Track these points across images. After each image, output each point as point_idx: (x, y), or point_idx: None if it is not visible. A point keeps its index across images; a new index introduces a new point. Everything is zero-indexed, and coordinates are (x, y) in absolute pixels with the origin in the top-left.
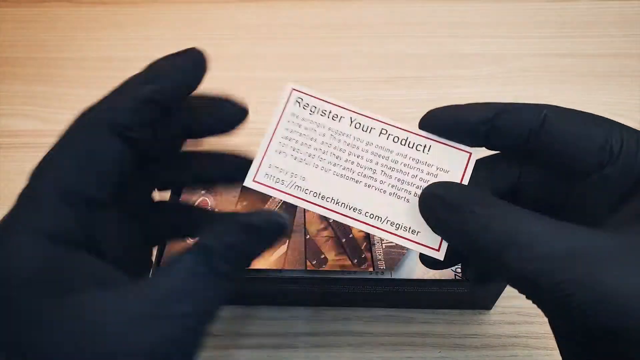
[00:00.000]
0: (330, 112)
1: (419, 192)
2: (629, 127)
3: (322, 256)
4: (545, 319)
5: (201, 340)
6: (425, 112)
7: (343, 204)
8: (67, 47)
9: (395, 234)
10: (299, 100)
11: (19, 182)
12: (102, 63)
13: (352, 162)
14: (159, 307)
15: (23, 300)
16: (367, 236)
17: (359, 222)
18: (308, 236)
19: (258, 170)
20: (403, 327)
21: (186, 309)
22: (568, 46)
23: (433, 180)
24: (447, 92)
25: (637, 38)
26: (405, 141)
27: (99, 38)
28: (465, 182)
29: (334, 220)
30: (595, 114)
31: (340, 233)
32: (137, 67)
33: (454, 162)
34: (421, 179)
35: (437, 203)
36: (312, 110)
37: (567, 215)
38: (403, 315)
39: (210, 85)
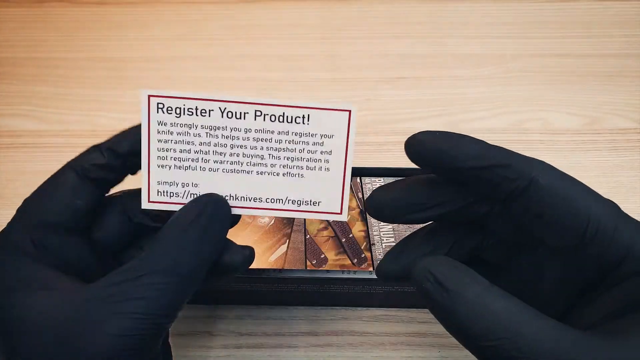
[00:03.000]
0: (197, 108)
1: (311, 164)
2: (610, 203)
3: (322, 256)
4: None
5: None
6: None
7: (242, 198)
8: (67, 47)
9: (299, 210)
10: (161, 105)
11: (19, 182)
12: (102, 63)
13: (237, 154)
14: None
15: None
16: (367, 236)
17: (262, 210)
18: (308, 236)
19: (149, 190)
20: (403, 326)
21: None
22: (568, 46)
23: (319, 149)
24: (447, 92)
25: (637, 38)
26: (283, 117)
27: (99, 38)
28: (351, 139)
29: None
30: (582, 183)
31: (340, 233)
32: (136, 67)
33: (336, 125)
34: (309, 151)
35: (429, 279)
36: (178, 112)
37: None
38: (403, 315)
39: (211, 85)
